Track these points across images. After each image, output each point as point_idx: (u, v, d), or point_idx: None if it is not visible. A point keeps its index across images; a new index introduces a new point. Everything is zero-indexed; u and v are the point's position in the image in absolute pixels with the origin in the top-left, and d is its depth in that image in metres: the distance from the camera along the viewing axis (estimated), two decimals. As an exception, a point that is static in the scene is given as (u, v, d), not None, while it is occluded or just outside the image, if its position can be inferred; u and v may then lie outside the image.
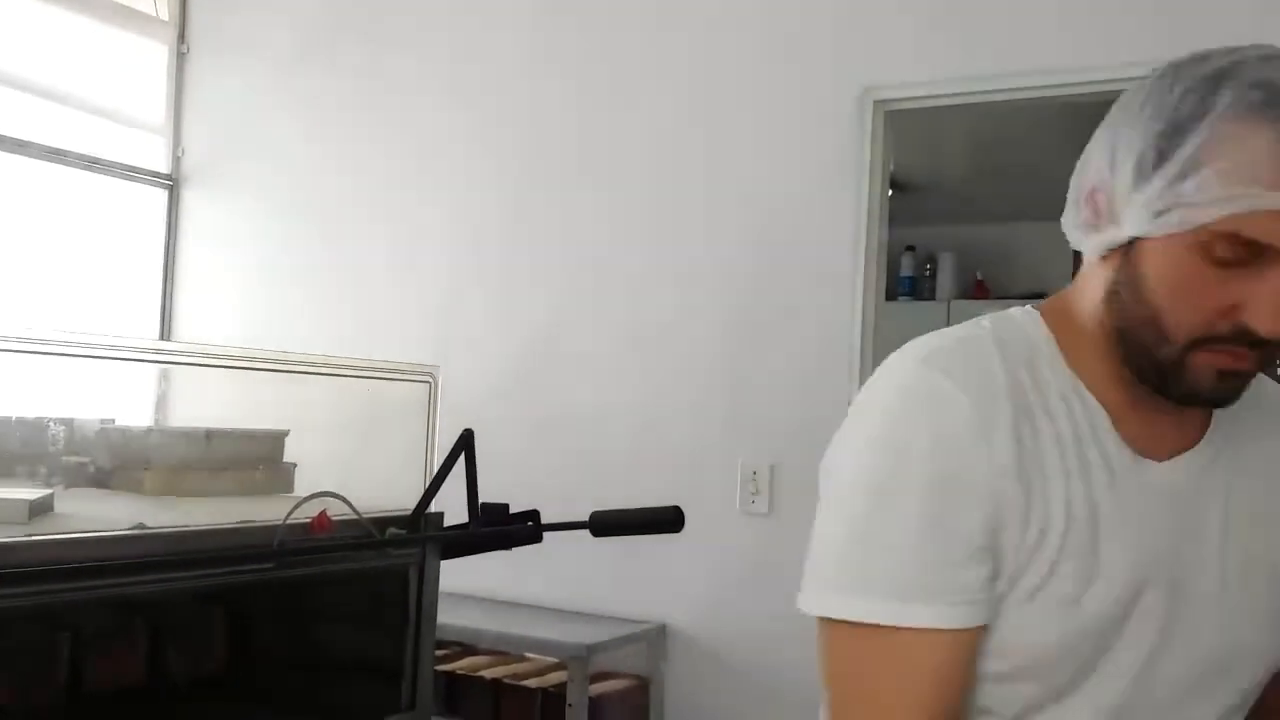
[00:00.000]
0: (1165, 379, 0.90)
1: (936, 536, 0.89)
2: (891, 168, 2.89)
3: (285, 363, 1.55)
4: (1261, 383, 1.02)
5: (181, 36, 4.01)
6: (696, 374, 2.96)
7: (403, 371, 1.66)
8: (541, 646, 2.87)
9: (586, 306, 3.18)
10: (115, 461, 1.77)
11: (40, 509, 1.35)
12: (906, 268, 5.96)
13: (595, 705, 2.74)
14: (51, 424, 1.85)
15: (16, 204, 3.70)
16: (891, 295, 5.49)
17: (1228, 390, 0.90)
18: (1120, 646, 0.93)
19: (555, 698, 2.76)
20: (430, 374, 1.66)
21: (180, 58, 4.02)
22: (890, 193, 2.87)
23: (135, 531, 1.29)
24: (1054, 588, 0.90)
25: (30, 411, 1.79)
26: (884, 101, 2.77)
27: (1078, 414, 0.94)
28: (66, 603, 1.22)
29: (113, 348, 1.38)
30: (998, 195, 5.37)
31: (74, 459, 1.81)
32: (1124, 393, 0.94)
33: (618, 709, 2.86)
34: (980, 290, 5.85)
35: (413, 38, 3.56)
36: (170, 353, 1.49)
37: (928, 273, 5.99)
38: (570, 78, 3.27)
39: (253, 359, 1.53)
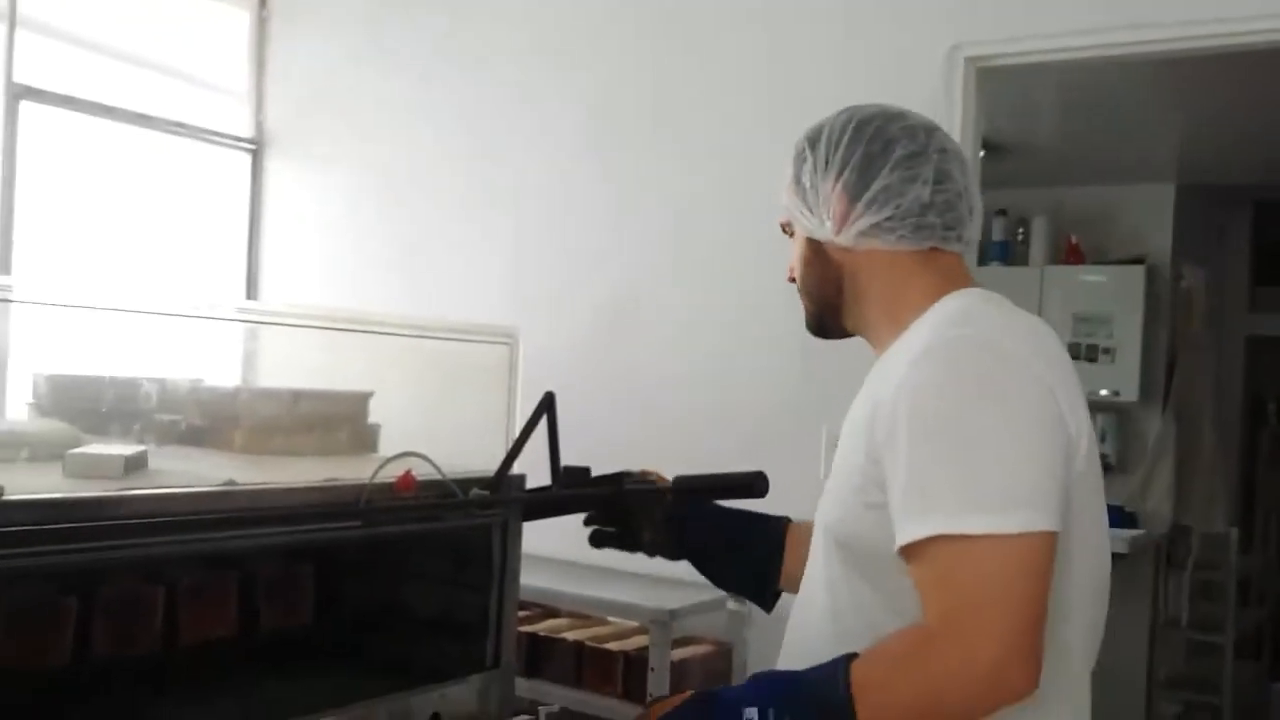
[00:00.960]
0: None
1: (1046, 450, 1.13)
2: (983, 128, 2.81)
3: (368, 324, 1.55)
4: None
5: (263, 1, 4.05)
6: (779, 338, 2.91)
7: (483, 334, 1.65)
8: (624, 610, 2.88)
9: (667, 268, 3.15)
10: (206, 420, 1.80)
11: (135, 465, 1.37)
12: (998, 232, 5.79)
13: (677, 670, 2.74)
14: (145, 383, 1.89)
15: (106, 168, 3.77)
16: (983, 260, 5.34)
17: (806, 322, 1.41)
18: None
19: (637, 661, 2.76)
20: (511, 336, 1.65)
21: (262, 22, 4.05)
22: (981, 154, 2.79)
23: (226, 488, 1.30)
24: None
25: (123, 371, 1.83)
26: (975, 59, 2.69)
27: None
28: (160, 556, 1.23)
29: (201, 308, 1.39)
30: (1094, 155, 5.19)
31: (166, 417, 1.84)
32: None
33: (699, 674, 2.86)
34: (1075, 255, 5.65)
35: (495, 5, 3.54)
36: (256, 313, 1.50)
37: (1020, 237, 5.83)
38: (650, 36, 3.23)
39: (336, 320, 1.53)
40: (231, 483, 1.35)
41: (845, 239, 1.29)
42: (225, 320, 1.65)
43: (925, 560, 1.10)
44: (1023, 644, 1.05)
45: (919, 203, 1.26)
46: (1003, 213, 5.79)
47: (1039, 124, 4.70)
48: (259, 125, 4.07)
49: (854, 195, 1.27)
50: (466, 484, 1.55)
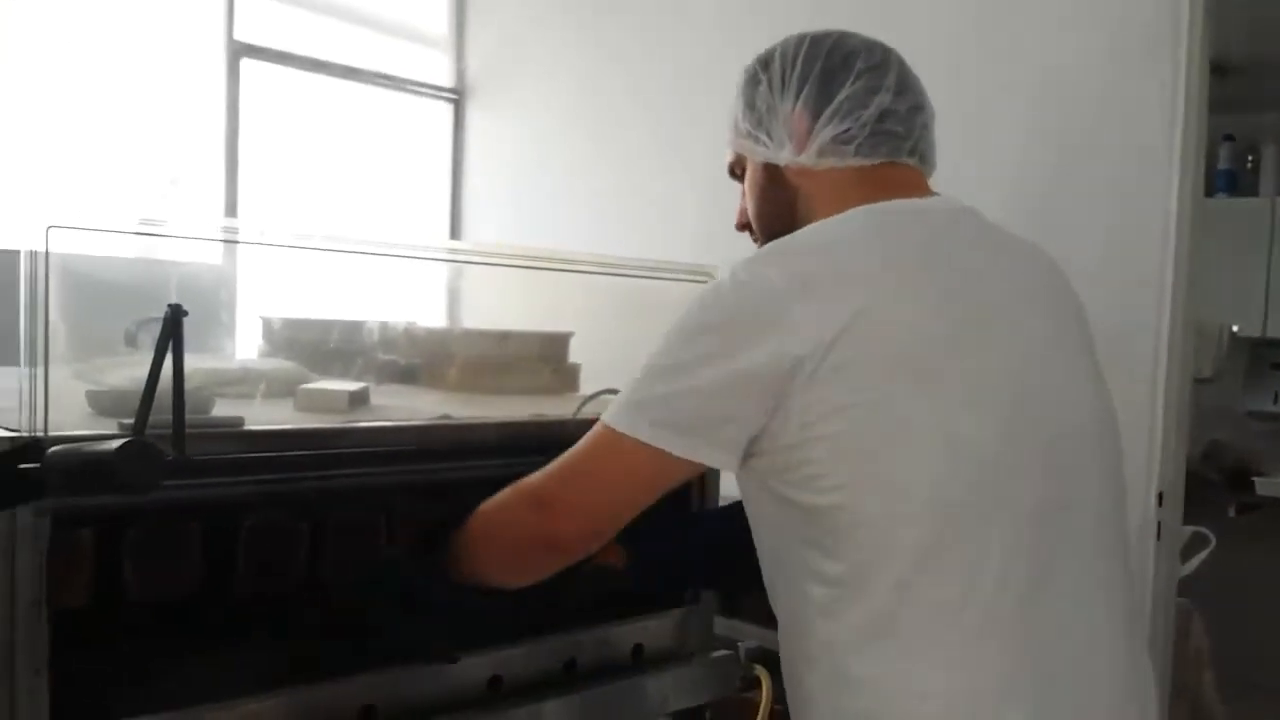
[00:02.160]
0: None
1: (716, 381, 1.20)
2: (1211, 47, 2.61)
3: (568, 263, 1.59)
4: None
5: (464, -49, 4.14)
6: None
7: (682, 272, 1.66)
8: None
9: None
10: (421, 359, 1.88)
11: (358, 400, 1.46)
12: (1225, 160, 5.39)
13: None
14: (365, 324, 2.00)
15: (318, 121, 3.96)
16: (1208, 192, 5.00)
17: None
18: None
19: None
20: (709, 275, 1.65)
21: (463, -28, 4.14)
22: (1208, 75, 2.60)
23: (442, 421, 1.36)
24: None
25: (344, 313, 1.94)
26: (1204, -31, 2.49)
27: None
28: (383, 485, 1.30)
29: (414, 249, 1.45)
30: (1335, 76, 4.76)
31: (384, 357, 1.94)
32: None
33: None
34: (1310, 184, 5.22)
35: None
36: (464, 253, 1.55)
37: (1250, 165, 5.41)
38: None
39: (538, 259, 1.57)
40: (446, 417, 1.41)
41: (807, 157, 1.27)
42: (435, 260, 1.71)
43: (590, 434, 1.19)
44: (566, 496, 1.17)
45: (880, 109, 1.24)
46: (1230, 138, 5.39)
47: (1273, 41, 4.34)
48: (460, 75, 4.18)
49: (816, 110, 1.26)
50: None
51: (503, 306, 2.01)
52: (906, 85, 1.27)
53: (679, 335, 1.15)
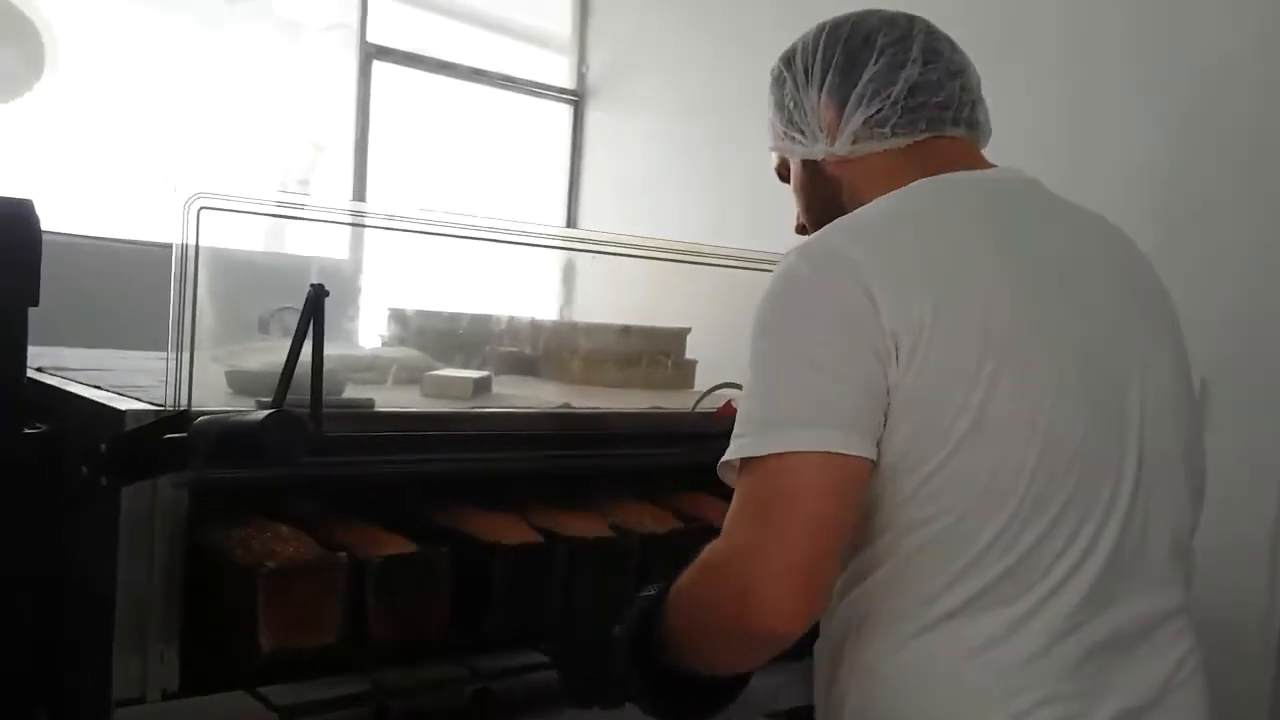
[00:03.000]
0: None
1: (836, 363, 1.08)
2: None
3: (687, 253, 1.59)
4: None
5: (587, -46, 4.19)
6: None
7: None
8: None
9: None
10: (542, 351, 1.91)
11: (481, 387, 1.48)
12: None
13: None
14: (488, 316, 2.04)
15: (442, 120, 4.05)
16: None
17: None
18: None
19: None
20: (834, 270, 1.64)
21: (586, -25, 4.19)
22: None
23: (563, 410, 1.38)
24: None
25: (460, 300, 1.98)
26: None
27: None
28: (504, 470, 1.32)
29: (538, 235, 1.47)
30: None
31: (506, 348, 1.98)
32: None
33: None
34: None
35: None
36: (585, 242, 1.56)
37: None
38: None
39: (656, 249, 1.57)
40: (568, 406, 1.43)
41: (841, 147, 1.21)
42: (559, 247, 1.74)
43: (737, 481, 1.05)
44: (793, 578, 0.96)
45: (909, 83, 1.17)
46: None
47: None
48: (581, 77, 4.23)
49: (841, 97, 1.20)
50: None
51: (618, 299, 2.02)
52: (936, 53, 1.20)
53: (778, 330, 1.05)
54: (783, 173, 1.33)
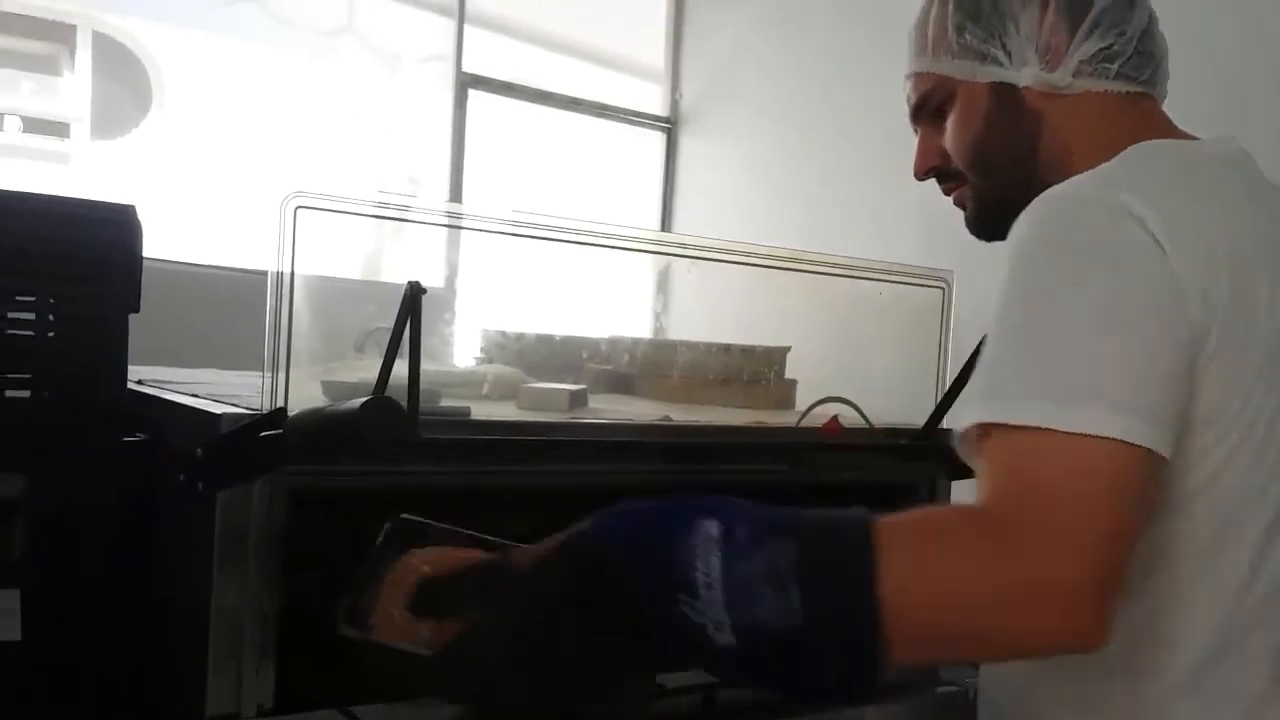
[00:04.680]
0: None
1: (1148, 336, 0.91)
2: None
3: (797, 261, 1.54)
4: None
5: (682, -19, 4.19)
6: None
7: (914, 275, 1.59)
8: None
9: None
10: (639, 369, 1.87)
11: (577, 401, 1.45)
12: None
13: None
14: (582, 335, 2.01)
15: (536, 148, 4.07)
16: None
17: (967, 221, 1.17)
18: None
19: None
20: (944, 279, 1.57)
21: (678, 4, 4.20)
22: None
23: (663, 422, 1.33)
24: None
25: (557, 317, 1.96)
26: None
27: None
28: (599, 485, 1.28)
29: (625, 239, 1.43)
30: None
31: (601, 367, 1.94)
32: None
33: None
34: None
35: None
36: (685, 248, 1.53)
37: None
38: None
39: (761, 255, 1.53)
40: (667, 419, 1.38)
41: (1061, 77, 1.05)
42: (656, 252, 1.70)
43: (987, 451, 0.84)
44: (1106, 574, 0.76)
45: (1141, 26, 1.05)
46: None
47: None
48: (674, 104, 4.22)
49: (1074, 19, 1.05)
50: (893, 434, 1.49)
51: (715, 314, 1.98)
52: (1150, 11, 1.08)
53: (1070, 274, 0.86)
54: (928, 104, 1.13)
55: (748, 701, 1.24)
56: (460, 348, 2.05)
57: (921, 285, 1.52)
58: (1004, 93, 1.07)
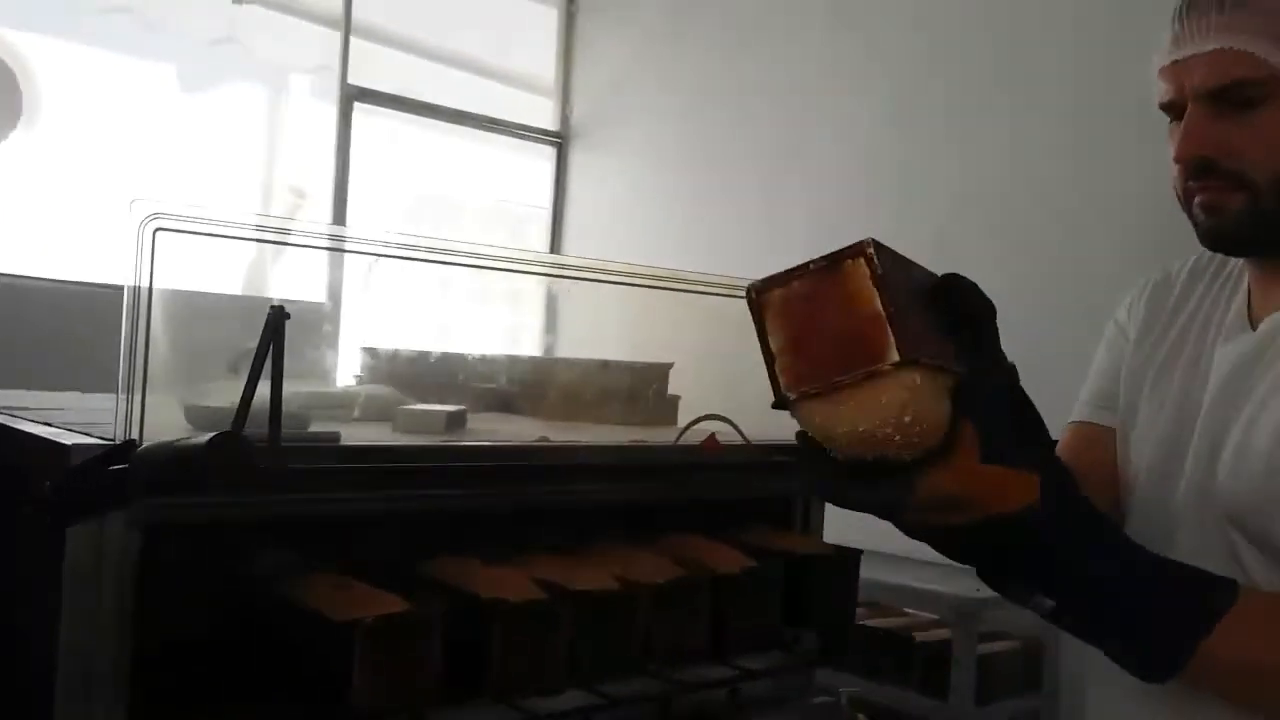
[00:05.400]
0: (1204, 244, 1.08)
1: None
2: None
3: (673, 280, 1.54)
4: None
5: (571, -3, 4.19)
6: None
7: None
8: (925, 600, 2.76)
9: (974, 237, 3.00)
10: (518, 388, 1.86)
11: (455, 422, 1.43)
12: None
13: (983, 665, 2.60)
14: (462, 353, 1.99)
15: (422, 162, 4.02)
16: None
17: (1208, 225, 1.04)
18: None
19: (938, 654, 2.64)
20: (819, 300, 1.59)
21: (570, 18, 4.19)
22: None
23: (540, 443, 1.32)
24: None
25: (439, 337, 1.93)
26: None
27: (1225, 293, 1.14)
28: (481, 507, 1.27)
29: (512, 260, 1.42)
30: None
31: (481, 385, 1.92)
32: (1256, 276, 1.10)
33: (1007, 671, 2.70)
34: None
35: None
36: (567, 269, 1.52)
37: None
38: (962, 8, 3.09)
39: (641, 275, 1.53)
40: (545, 439, 1.38)
41: None
42: (538, 274, 1.69)
43: None
44: None
45: None
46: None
47: None
48: (564, 119, 4.22)
49: None
50: (770, 450, 1.51)
51: (601, 332, 1.98)
52: None
53: None
54: (1244, 89, 1.00)
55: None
56: (343, 365, 2.01)
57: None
58: None
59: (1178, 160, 1.03)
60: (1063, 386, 1.31)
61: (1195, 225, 1.06)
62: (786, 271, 0.80)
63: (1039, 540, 0.83)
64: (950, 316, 0.84)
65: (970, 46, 3.07)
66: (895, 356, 0.73)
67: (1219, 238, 1.05)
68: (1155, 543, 0.98)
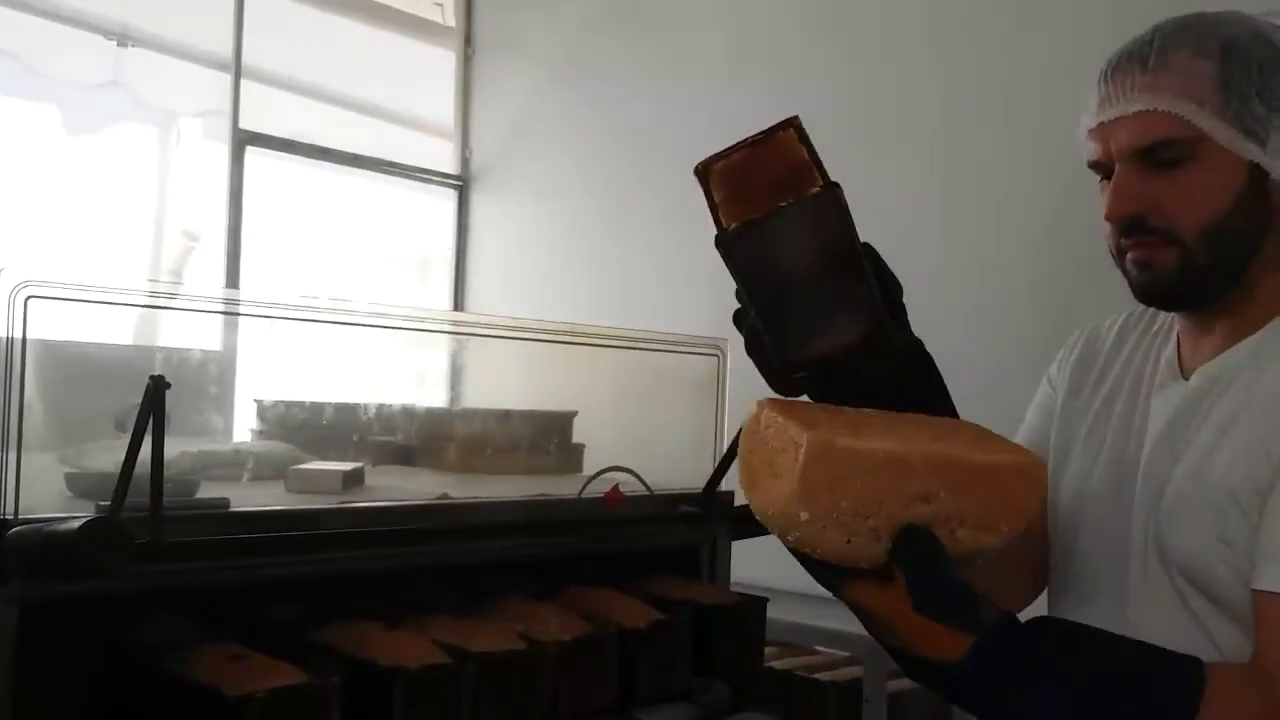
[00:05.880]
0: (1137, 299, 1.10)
1: None
2: None
3: (574, 335, 1.54)
4: None
5: (468, 40, 4.17)
6: (1005, 328, 2.76)
7: (690, 345, 1.61)
8: (835, 639, 2.77)
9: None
10: (419, 440, 1.83)
11: (352, 481, 1.40)
12: None
13: (894, 702, 2.61)
14: (361, 406, 1.95)
15: (322, 208, 3.96)
16: None
17: (1141, 280, 1.06)
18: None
19: (850, 693, 2.65)
20: (719, 347, 1.61)
21: (467, 60, 4.18)
22: None
23: (441, 502, 1.30)
24: None
25: (339, 389, 1.89)
26: None
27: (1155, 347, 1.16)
28: (379, 570, 1.24)
29: (413, 319, 1.40)
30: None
31: (381, 438, 1.88)
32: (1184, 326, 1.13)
33: (918, 708, 2.72)
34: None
35: (692, 19, 3.55)
36: (466, 324, 1.50)
37: None
38: (849, 43, 3.15)
39: (541, 331, 1.52)
40: (445, 497, 1.35)
41: None
42: (438, 331, 1.67)
43: None
44: None
45: None
46: None
47: None
48: (465, 162, 4.19)
49: None
50: (674, 500, 1.51)
51: (505, 384, 1.96)
52: None
53: None
54: (1168, 149, 1.03)
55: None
56: (239, 419, 1.95)
57: (697, 354, 1.54)
58: (1257, 177, 1.02)
59: (1108, 219, 1.06)
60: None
61: (1129, 282, 1.08)
62: (727, 148, 0.95)
63: (966, 690, 0.87)
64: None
65: (870, 93, 3.14)
66: (821, 183, 0.87)
67: (1151, 293, 1.07)
68: (1110, 601, 1.05)
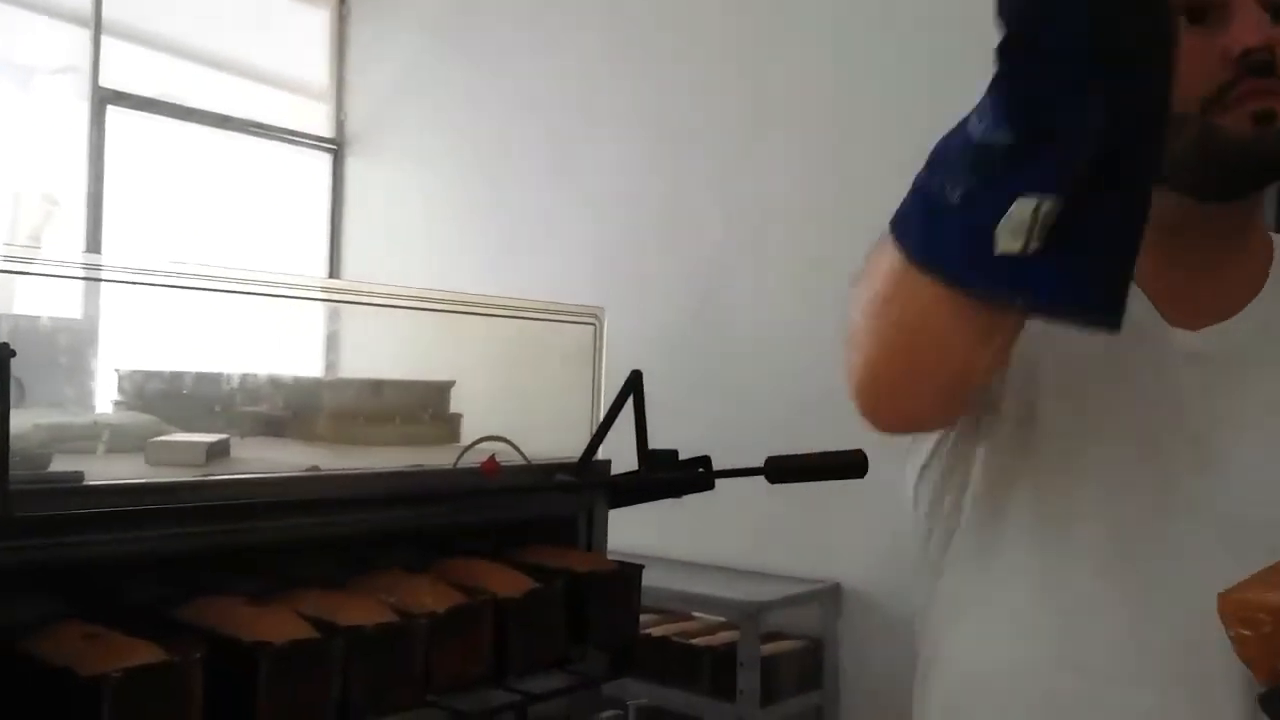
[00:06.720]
0: (1208, 164, 0.87)
1: None
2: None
3: (450, 303, 1.51)
4: None
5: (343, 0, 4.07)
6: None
7: (567, 313, 1.61)
8: (710, 605, 2.81)
9: (751, 246, 3.08)
10: (288, 410, 1.78)
11: (217, 452, 1.36)
12: None
13: (766, 665, 2.67)
14: (227, 375, 1.89)
15: (189, 170, 3.82)
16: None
17: (1264, 137, 0.86)
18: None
19: (725, 657, 2.70)
20: (595, 315, 1.60)
21: (341, 21, 4.07)
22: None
23: (310, 473, 1.27)
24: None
25: (206, 358, 1.83)
26: None
27: None
28: (244, 544, 1.20)
29: (285, 286, 1.36)
30: None
31: (249, 409, 1.83)
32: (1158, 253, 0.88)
33: (790, 670, 2.78)
34: None
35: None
36: (341, 292, 1.47)
37: None
38: (733, 13, 3.17)
39: (417, 299, 1.49)
40: (315, 469, 1.32)
41: None
42: (311, 299, 1.63)
43: None
44: None
45: None
46: None
47: None
48: (339, 125, 4.09)
49: None
50: (550, 469, 1.50)
51: (384, 349, 1.92)
52: None
53: None
54: None
55: None
56: (100, 389, 1.87)
57: (574, 322, 1.54)
58: None
59: (1250, 50, 0.85)
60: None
61: (1223, 142, 0.88)
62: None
63: None
64: None
65: (747, 59, 3.16)
66: None
67: (1266, 152, 0.88)
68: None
